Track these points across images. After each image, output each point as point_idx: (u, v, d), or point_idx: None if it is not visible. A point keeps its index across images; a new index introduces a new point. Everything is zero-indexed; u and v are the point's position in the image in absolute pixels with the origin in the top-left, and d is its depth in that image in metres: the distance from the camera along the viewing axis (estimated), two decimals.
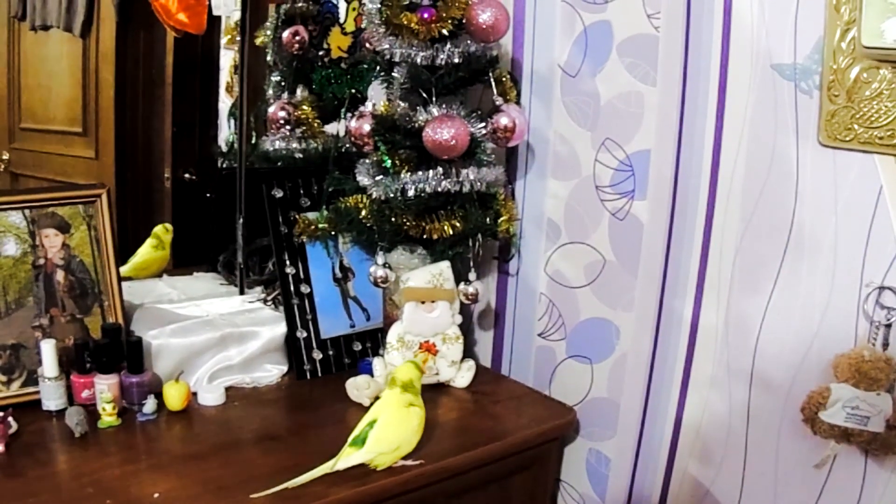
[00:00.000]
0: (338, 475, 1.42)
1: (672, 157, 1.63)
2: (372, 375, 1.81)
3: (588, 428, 1.88)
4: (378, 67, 1.83)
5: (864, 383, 1.33)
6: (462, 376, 1.88)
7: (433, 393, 1.82)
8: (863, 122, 1.33)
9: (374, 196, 1.75)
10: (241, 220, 2.03)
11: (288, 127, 2.05)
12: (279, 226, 1.91)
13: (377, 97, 1.86)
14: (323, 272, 1.95)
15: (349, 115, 1.91)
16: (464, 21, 1.67)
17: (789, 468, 1.51)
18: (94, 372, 1.62)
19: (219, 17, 2.16)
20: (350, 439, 1.45)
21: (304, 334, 1.90)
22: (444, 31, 1.66)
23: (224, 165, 2.21)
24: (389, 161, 1.73)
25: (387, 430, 1.45)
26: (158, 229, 2.12)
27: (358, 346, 1.98)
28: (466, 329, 1.98)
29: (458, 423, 1.72)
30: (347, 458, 1.42)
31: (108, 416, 1.57)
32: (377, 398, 1.56)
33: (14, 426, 1.50)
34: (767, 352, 1.53)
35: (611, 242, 1.77)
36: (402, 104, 1.75)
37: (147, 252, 2.12)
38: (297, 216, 1.92)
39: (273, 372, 1.87)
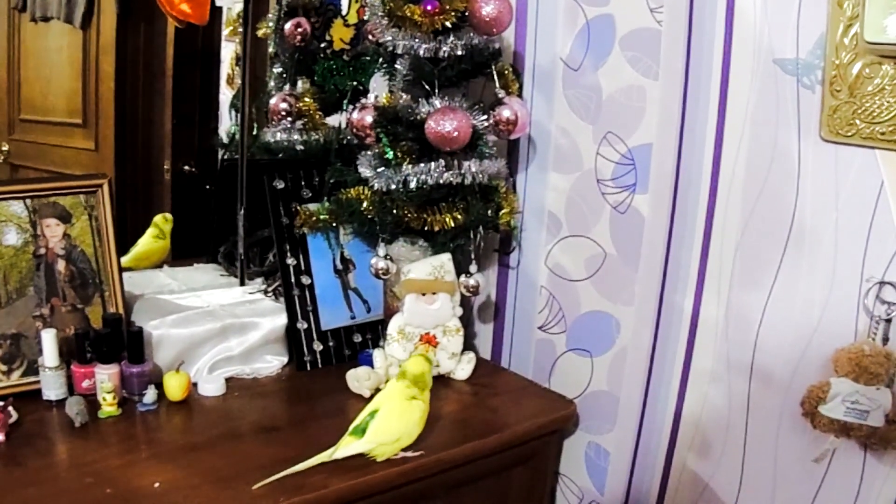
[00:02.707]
0: (338, 466, 1.42)
1: (673, 152, 1.63)
2: (372, 367, 1.81)
3: (587, 421, 1.88)
4: (380, 59, 1.83)
5: (863, 378, 1.33)
6: (462, 368, 1.88)
7: (433, 385, 1.82)
8: (865, 118, 1.33)
9: (375, 188, 1.75)
10: (242, 212, 2.03)
11: (289, 118, 2.05)
12: (280, 217, 1.91)
13: (379, 89, 1.86)
14: (324, 263, 1.95)
15: (351, 106, 1.91)
16: (467, 13, 1.67)
17: (788, 462, 1.52)
18: (94, 362, 1.62)
19: (220, 9, 2.16)
20: (350, 428, 1.45)
21: (305, 325, 1.90)
22: (447, 24, 1.65)
23: (225, 157, 2.21)
24: (391, 153, 1.72)
25: (388, 420, 1.45)
26: (158, 219, 2.13)
27: (358, 338, 1.98)
28: (467, 321, 1.98)
29: (457, 415, 1.72)
30: (347, 447, 1.42)
31: (108, 406, 1.57)
32: (378, 389, 1.56)
33: (14, 416, 1.50)
34: (767, 346, 1.53)
35: (612, 236, 1.77)
36: (405, 96, 1.76)
37: (147, 242, 2.12)
38: (298, 207, 1.92)
39: (273, 363, 1.87)
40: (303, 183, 1.97)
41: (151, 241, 2.12)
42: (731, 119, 1.53)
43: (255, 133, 2.13)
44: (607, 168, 1.76)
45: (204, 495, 1.32)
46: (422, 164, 1.71)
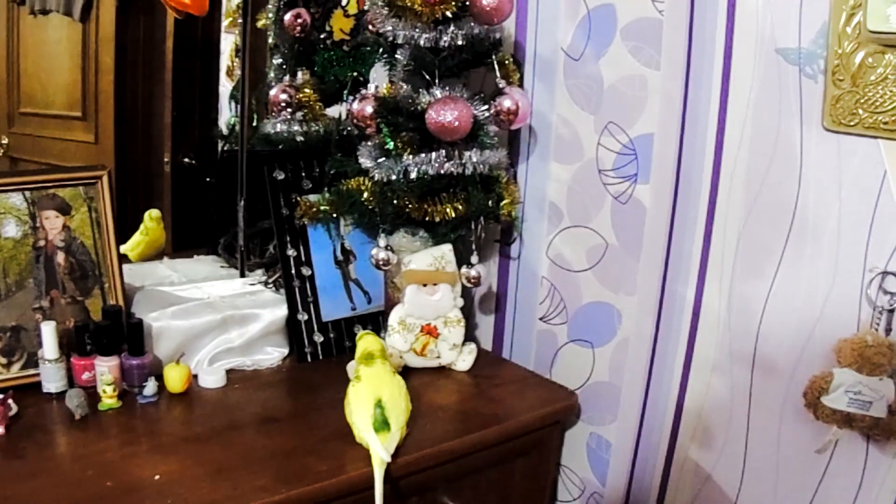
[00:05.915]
0: (338, 458, 1.42)
1: (675, 142, 1.62)
2: None
3: (589, 412, 1.88)
4: (381, 49, 1.82)
5: (866, 368, 1.33)
6: (463, 360, 1.88)
7: (434, 376, 1.82)
8: (867, 107, 1.32)
9: (376, 178, 1.74)
10: (242, 203, 2.02)
11: (289, 109, 2.05)
12: (280, 208, 1.91)
13: (380, 79, 1.85)
14: (324, 255, 1.95)
15: (351, 97, 1.90)
16: (467, 3, 1.66)
17: (791, 453, 1.52)
18: (94, 354, 1.62)
19: (220, 0, 2.15)
20: (371, 427, 1.42)
21: (305, 317, 1.90)
22: (448, 13, 1.64)
23: (225, 148, 2.20)
24: (392, 143, 1.72)
25: (397, 403, 1.47)
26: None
27: (359, 329, 1.97)
28: (468, 312, 1.97)
29: (458, 406, 1.72)
30: (388, 444, 1.41)
31: (108, 399, 1.57)
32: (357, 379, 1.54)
33: (14, 408, 1.50)
34: (770, 336, 1.52)
35: (613, 226, 1.77)
36: (405, 86, 1.75)
37: (135, 236, 2.13)
38: (298, 198, 1.91)
39: (274, 354, 1.86)
40: (303, 174, 1.96)
41: (137, 235, 2.12)
42: (733, 109, 1.52)
43: (255, 124, 2.13)
44: (609, 158, 1.75)
45: (204, 487, 1.32)
46: (422, 155, 1.70)
